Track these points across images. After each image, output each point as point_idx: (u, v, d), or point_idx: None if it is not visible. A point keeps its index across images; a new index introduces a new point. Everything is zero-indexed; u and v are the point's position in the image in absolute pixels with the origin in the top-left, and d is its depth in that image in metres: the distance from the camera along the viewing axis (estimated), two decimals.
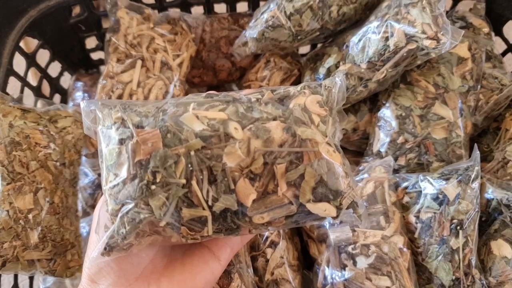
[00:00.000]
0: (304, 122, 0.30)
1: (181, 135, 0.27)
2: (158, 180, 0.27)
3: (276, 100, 0.31)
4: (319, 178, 0.28)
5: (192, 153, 0.27)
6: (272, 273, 0.49)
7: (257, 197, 0.28)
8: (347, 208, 0.30)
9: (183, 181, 0.27)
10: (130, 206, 0.27)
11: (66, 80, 0.76)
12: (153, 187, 0.27)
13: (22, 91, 0.64)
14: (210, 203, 0.27)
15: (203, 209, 0.28)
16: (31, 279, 0.58)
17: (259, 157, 0.28)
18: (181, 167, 0.27)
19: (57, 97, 0.75)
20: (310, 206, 0.29)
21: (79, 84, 0.73)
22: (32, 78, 0.74)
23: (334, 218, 0.30)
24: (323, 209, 0.29)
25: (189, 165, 0.27)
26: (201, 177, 0.27)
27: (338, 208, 0.30)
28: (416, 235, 0.49)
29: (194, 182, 0.27)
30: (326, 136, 0.30)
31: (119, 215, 0.27)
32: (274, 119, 0.29)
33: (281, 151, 0.28)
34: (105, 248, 0.28)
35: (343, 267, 0.48)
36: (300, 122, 0.29)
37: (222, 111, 0.29)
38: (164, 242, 0.31)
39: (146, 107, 0.30)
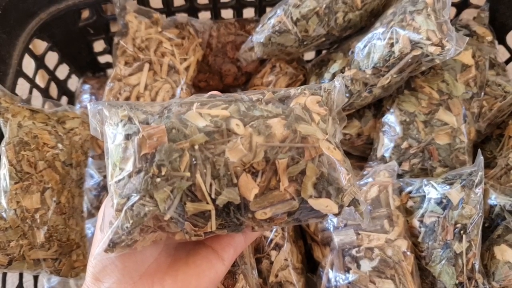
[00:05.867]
0: (305, 119, 0.30)
1: (185, 130, 0.28)
2: (163, 173, 0.27)
3: (277, 100, 0.32)
4: (320, 174, 0.29)
5: (196, 147, 0.27)
6: (276, 275, 0.49)
7: (259, 192, 0.28)
8: (348, 206, 0.30)
9: (188, 174, 0.27)
10: (135, 199, 0.27)
11: (74, 83, 0.77)
12: (158, 180, 0.27)
13: (30, 92, 0.65)
14: (213, 196, 0.28)
15: (207, 203, 0.28)
16: (35, 279, 0.58)
17: (261, 152, 0.28)
18: (186, 161, 0.27)
19: (64, 99, 0.76)
20: (312, 202, 0.29)
21: (86, 86, 0.74)
22: (40, 80, 0.75)
23: (336, 215, 0.30)
24: (325, 205, 0.29)
25: (193, 159, 0.27)
26: (205, 170, 0.27)
27: (340, 205, 0.30)
28: (419, 239, 0.49)
29: (198, 175, 0.27)
30: (327, 134, 0.30)
31: (124, 208, 0.27)
32: (275, 116, 0.30)
33: (282, 147, 0.28)
34: (109, 245, 0.29)
35: (347, 270, 0.48)
36: (300, 119, 0.30)
37: (224, 109, 0.30)
38: (168, 240, 0.31)
39: (151, 107, 0.31)
